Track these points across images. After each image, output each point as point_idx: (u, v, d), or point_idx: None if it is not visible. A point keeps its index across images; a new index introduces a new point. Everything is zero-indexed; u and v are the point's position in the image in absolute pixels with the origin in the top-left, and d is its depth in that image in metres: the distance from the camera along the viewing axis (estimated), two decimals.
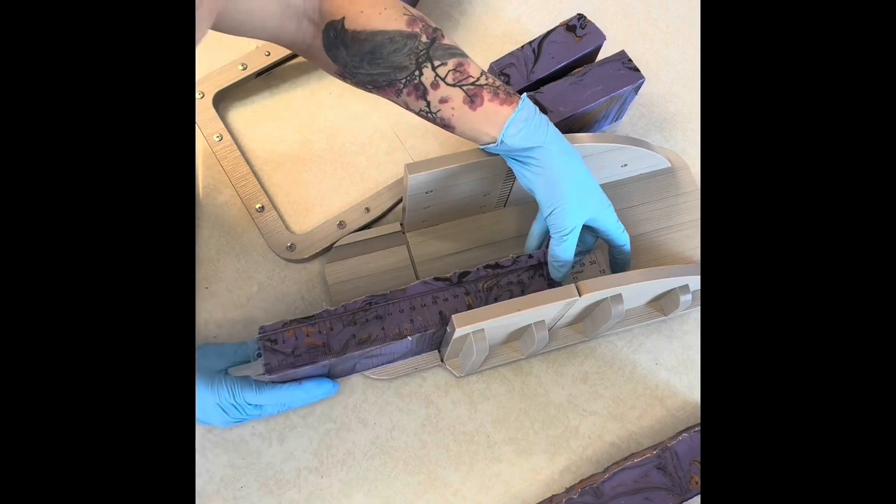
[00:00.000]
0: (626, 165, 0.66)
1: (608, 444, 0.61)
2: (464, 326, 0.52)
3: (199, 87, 0.69)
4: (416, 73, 0.52)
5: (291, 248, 0.64)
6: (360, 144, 0.71)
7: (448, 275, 0.57)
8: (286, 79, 0.73)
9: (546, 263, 0.58)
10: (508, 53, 0.67)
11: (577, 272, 0.65)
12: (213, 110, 0.69)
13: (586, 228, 0.57)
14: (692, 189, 0.69)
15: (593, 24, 0.68)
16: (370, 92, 0.55)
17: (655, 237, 0.67)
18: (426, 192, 0.58)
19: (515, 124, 0.52)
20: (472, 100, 0.52)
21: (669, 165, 0.69)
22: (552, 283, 0.57)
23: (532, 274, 0.58)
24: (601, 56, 0.68)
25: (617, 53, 0.67)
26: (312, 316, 0.54)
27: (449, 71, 0.52)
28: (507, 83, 0.66)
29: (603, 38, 0.67)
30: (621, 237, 0.58)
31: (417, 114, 0.54)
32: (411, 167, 0.55)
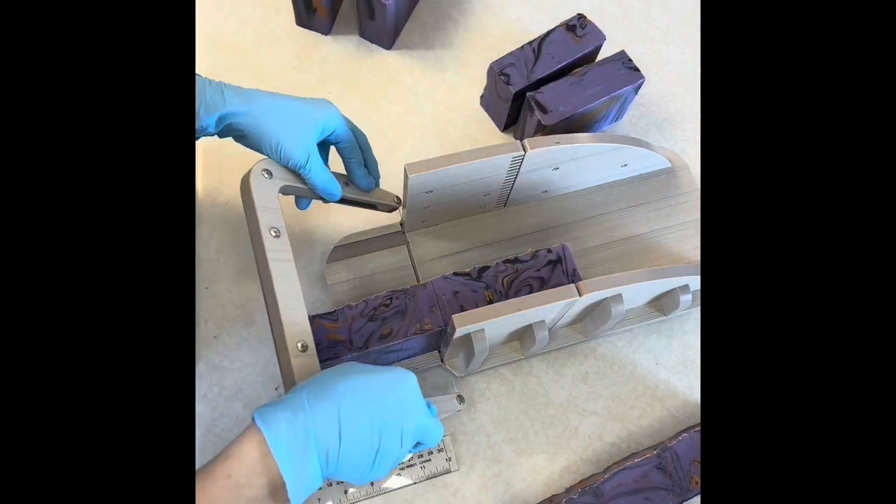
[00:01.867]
0: (626, 165, 0.66)
1: (608, 444, 0.61)
2: (464, 326, 0.52)
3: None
4: None
5: None
6: None
7: (467, 269, 0.57)
8: (286, 79, 0.73)
9: (565, 258, 0.59)
10: (508, 53, 0.67)
11: None
12: None
13: (323, 145, 0.57)
14: (692, 189, 0.69)
15: (593, 24, 0.68)
16: None
17: (655, 237, 0.67)
18: (426, 192, 0.58)
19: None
20: None
21: (669, 165, 0.69)
22: (542, 286, 0.58)
23: (552, 268, 0.58)
24: (601, 56, 0.68)
25: (617, 53, 0.67)
26: (334, 311, 0.54)
27: None
28: (507, 83, 0.66)
29: (603, 38, 0.67)
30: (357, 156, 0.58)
31: None
32: (411, 167, 0.55)
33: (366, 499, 0.57)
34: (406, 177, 0.56)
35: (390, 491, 0.58)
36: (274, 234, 0.52)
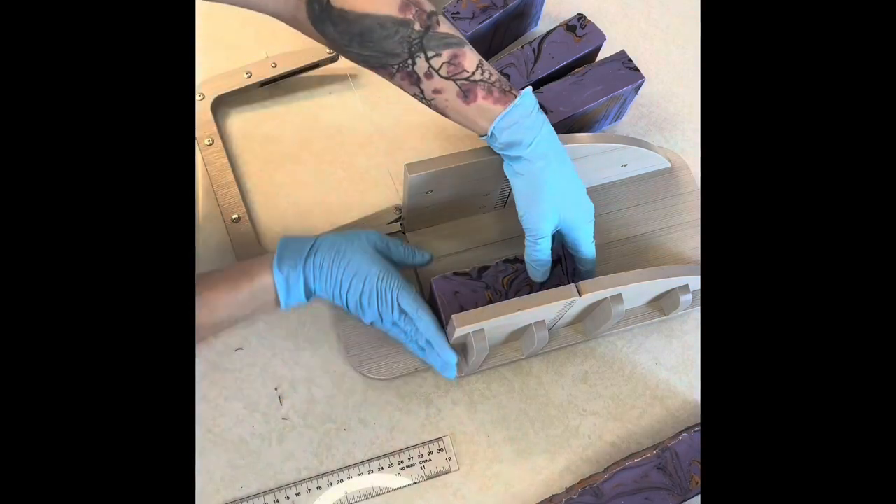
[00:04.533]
0: (626, 165, 0.66)
1: (608, 444, 0.61)
2: (464, 326, 0.52)
3: (200, 90, 0.69)
4: (409, 61, 0.51)
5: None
6: (360, 144, 0.71)
7: (467, 269, 0.57)
8: (286, 79, 0.73)
9: (565, 258, 0.59)
10: (508, 53, 0.67)
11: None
12: (209, 113, 0.68)
13: (560, 234, 0.57)
14: (692, 189, 0.69)
15: (593, 24, 0.68)
16: (365, 67, 0.54)
17: (655, 237, 0.67)
18: (426, 192, 0.58)
19: (505, 120, 0.52)
20: (466, 94, 0.51)
21: (669, 165, 0.69)
22: (542, 286, 0.58)
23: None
24: (601, 56, 0.68)
25: (617, 53, 0.67)
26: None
27: (443, 63, 0.51)
28: None
29: (603, 38, 0.67)
30: (586, 249, 0.58)
31: (413, 96, 0.54)
32: (411, 167, 0.55)
33: (366, 499, 0.57)
34: (406, 177, 0.56)
35: (390, 491, 0.58)
36: (208, 142, 0.67)
